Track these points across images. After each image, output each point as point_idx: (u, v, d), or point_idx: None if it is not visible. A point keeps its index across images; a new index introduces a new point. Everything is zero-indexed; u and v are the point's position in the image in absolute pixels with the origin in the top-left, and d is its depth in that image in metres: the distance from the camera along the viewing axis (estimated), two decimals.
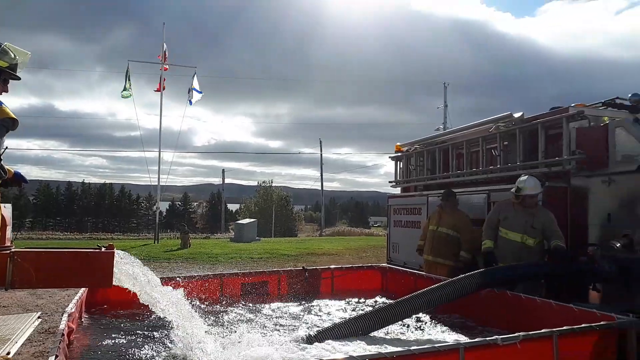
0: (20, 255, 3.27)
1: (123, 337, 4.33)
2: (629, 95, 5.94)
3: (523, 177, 5.66)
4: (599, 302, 5.19)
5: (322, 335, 4.26)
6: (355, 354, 2.92)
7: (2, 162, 2.89)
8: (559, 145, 5.86)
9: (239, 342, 4.05)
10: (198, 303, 5.18)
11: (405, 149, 9.49)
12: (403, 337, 4.47)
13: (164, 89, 23.17)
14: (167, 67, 23.31)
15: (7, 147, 3.07)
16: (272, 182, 61.62)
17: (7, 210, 3.30)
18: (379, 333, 4.51)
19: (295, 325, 4.94)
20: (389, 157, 10.11)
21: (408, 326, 4.84)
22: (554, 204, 5.74)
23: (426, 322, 5.01)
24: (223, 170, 53.94)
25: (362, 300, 6.18)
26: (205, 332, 4.19)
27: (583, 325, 3.66)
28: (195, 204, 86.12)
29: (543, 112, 6.37)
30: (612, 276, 5.02)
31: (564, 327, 3.55)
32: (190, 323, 4.03)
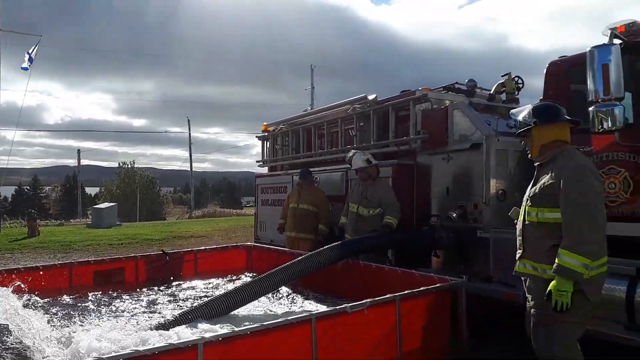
0: None
1: None
2: (466, 80, 6.65)
3: (350, 154, 6.14)
4: (439, 267, 5.79)
5: (181, 319, 4.13)
6: (207, 335, 2.90)
7: None
8: (407, 125, 6.36)
9: (81, 337, 3.75)
10: (42, 297, 4.72)
11: (271, 128, 9.56)
12: (261, 313, 4.54)
13: None
14: None
15: None
16: (134, 162, 57.99)
17: None
18: (240, 311, 4.53)
19: (153, 312, 4.75)
20: (256, 136, 10.10)
21: (270, 302, 4.94)
22: (403, 179, 6.24)
23: (287, 297, 5.16)
24: (79, 150, 49.31)
25: (226, 280, 6.17)
26: (52, 329, 3.83)
27: (421, 288, 4.06)
28: (47, 188, 77.67)
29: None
30: (449, 244, 5.63)
31: (405, 292, 3.90)
32: (26, 323, 3.66)
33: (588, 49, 3.88)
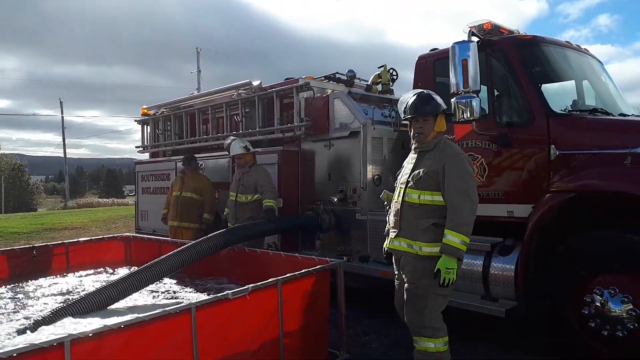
0: None
1: None
2: (346, 71, 6.91)
3: (228, 140, 6.17)
4: (322, 249, 6.02)
5: (51, 318, 3.82)
6: (75, 332, 2.72)
7: None
8: (292, 113, 6.46)
9: None
10: None
11: (152, 112, 9.11)
12: (140, 306, 4.37)
13: None
14: None
15: None
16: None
17: None
18: (117, 306, 4.31)
19: (16, 312, 4.34)
20: (135, 120, 9.56)
21: (151, 294, 4.76)
22: (288, 166, 6.36)
23: (169, 288, 5.02)
24: None
25: (101, 274, 5.82)
26: None
27: (303, 270, 4.18)
28: None
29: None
30: (330, 226, 5.86)
31: (287, 275, 4.00)
32: None
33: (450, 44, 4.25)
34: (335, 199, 5.81)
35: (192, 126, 8.27)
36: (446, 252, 3.19)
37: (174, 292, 4.87)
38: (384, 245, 3.69)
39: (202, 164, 7.35)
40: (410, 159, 3.57)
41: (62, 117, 40.91)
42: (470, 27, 4.52)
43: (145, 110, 9.19)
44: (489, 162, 4.65)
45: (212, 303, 3.44)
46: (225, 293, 3.51)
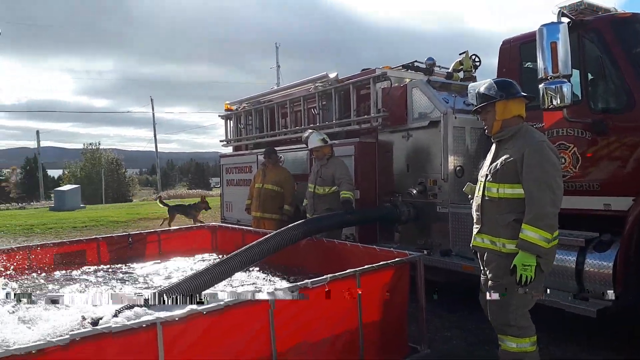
0: None
1: None
2: (425, 59, 6.72)
3: (306, 133, 6.21)
4: (401, 242, 5.95)
5: (146, 301, 4.11)
6: (165, 314, 2.91)
7: None
8: (369, 104, 6.41)
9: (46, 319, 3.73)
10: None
11: (234, 107, 9.47)
12: (224, 292, 4.56)
13: None
14: None
15: None
16: (99, 144, 56.41)
17: None
18: (206, 291, 4.53)
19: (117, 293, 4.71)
20: (219, 115, 9.99)
21: (230, 283, 4.95)
22: (365, 157, 6.33)
23: (252, 276, 5.20)
24: (37, 131, 47.62)
25: (190, 260, 6.15)
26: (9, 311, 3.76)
27: (381, 262, 4.16)
28: (6, 170, 74.83)
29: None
30: (409, 219, 5.77)
31: (366, 266, 3.99)
32: None
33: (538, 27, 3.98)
34: (415, 191, 5.70)
35: (272, 120, 8.48)
36: (523, 248, 3.00)
37: (255, 280, 5.04)
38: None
39: (282, 157, 7.52)
40: (491, 150, 3.41)
41: (153, 114, 43.66)
42: (560, 8, 4.20)
43: (228, 106, 9.56)
44: (582, 152, 4.33)
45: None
46: (304, 282, 3.58)
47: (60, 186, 29.86)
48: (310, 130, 6.27)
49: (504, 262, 3.15)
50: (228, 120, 9.72)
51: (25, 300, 4.00)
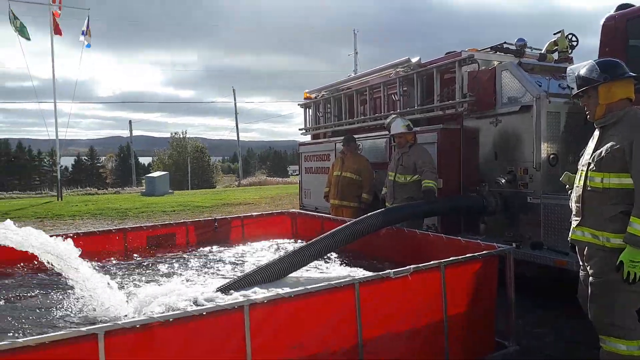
0: None
1: (15, 296, 4.09)
2: (515, 40, 6.32)
3: (389, 119, 6.05)
4: (488, 234, 5.68)
5: (233, 285, 4.25)
6: (253, 297, 2.98)
7: None
8: (453, 89, 6.15)
9: (146, 295, 3.96)
10: (99, 259, 5.00)
11: (313, 96, 9.53)
12: (306, 278, 4.62)
13: (56, 33, 21.02)
14: (58, 10, 21.02)
15: None
16: (186, 132, 59.40)
17: None
18: (289, 276, 4.61)
19: (204, 274, 4.93)
20: (298, 104, 10.10)
21: (314, 267, 5.00)
22: (449, 145, 6.10)
23: (330, 262, 5.22)
24: (130, 121, 51.08)
25: (272, 245, 6.30)
26: (110, 286, 4.04)
27: (467, 255, 3.99)
28: (103, 158, 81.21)
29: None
30: (497, 210, 5.48)
31: (451, 258, 3.85)
32: (90, 279, 3.88)
33: None
34: (503, 180, 5.41)
35: (351, 107, 8.43)
36: (632, 243, 2.73)
37: (337, 268, 5.05)
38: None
39: (360, 145, 7.45)
40: (593, 137, 3.12)
41: (235, 104, 45.26)
42: None
43: (307, 94, 9.64)
44: None
45: (374, 280, 3.48)
46: (387, 272, 3.52)
47: (150, 173, 31.82)
48: (393, 116, 6.15)
49: (608, 258, 2.89)
50: (307, 109, 9.81)
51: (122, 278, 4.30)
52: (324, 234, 4.92)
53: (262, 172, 59.11)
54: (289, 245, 6.31)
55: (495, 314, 4.08)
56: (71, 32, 22.16)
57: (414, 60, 6.63)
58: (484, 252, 4.13)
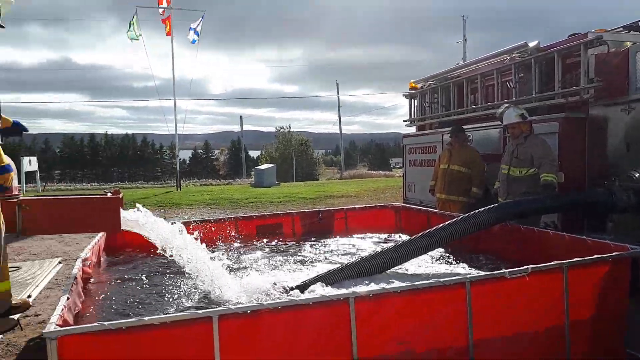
0: (28, 203, 3.34)
1: (141, 276, 4.48)
2: None
3: (501, 108, 5.61)
4: (616, 233, 5.11)
5: (332, 277, 4.27)
6: (359, 290, 2.95)
7: None
8: (577, 74, 5.59)
9: (253, 281, 4.12)
10: (213, 246, 5.30)
11: (419, 86, 9.26)
12: (412, 273, 4.49)
13: (168, 34, 22.73)
14: (168, 11, 22.68)
15: None
16: (290, 127, 61.30)
17: (11, 160, 3.32)
18: (393, 270, 4.53)
19: (310, 263, 5.02)
20: (403, 95, 9.88)
21: (419, 263, 4.86)
22: (572, 135, 5.57)
23: (437, 258, 5.03)
24: (241, 117, 53.89)
25: (375, 238, 6.24)
26: (224, 273, 4.25)
27: (594, 256, 3.60)
28: (217, 151, 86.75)
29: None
30: (629, 207, 4.90)
31: (575, 259, 3.50)
32: (207, 264, 4.12)
33: None
34: (637, 175, 4.81)
35: (460, 97, 8.06)
36: None
37: (445, 264, 4.86)
38: None
39: (470, 136, 7.09)
40: None
41: (338, 97, 45.68)
42: None
43: (413, 84, 9.38)
44: None
45: (487, 279, 3.28)
46: (501, 271, 3.30)
47: (259, 165, 33.34)
48: (506, 105, 5.74)
49: None
50: (412, 99, 9.56)
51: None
52: (431, 229, 4.75)
53: (364, 165, 59.20)
54: (393, 239, 6.21)
55: (626, 323, 3.66)
56: (187, 34, 23.82)
57: (532, 44, 6.13)
58: (614, 253, 3.71)
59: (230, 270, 4.43)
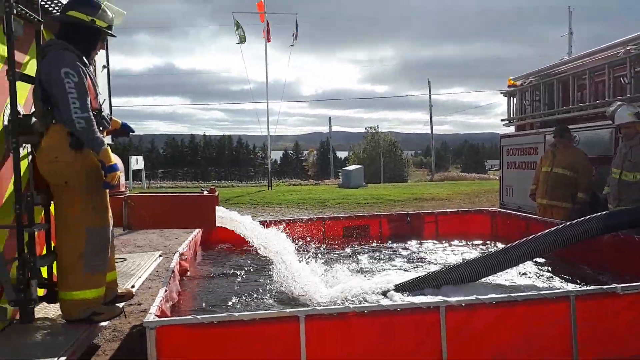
0: (133, 200, 3.58)
1: (233, 272, 4.65)
2: None
3: (612, 107, 5.04)
4: None
5: (421, 283, 4.12)
6: (450, 299, 2.81)
7: (104, 114, 3.10)
8: None
9: (343, 283, 4.10)
10: (301, 244, 5.36)
11: (519, 83, 8.72)
12: (508, 284, 4.21)
13: (267, 39, 23.52)
14: (263, 16, 23.44)
15: (104, 100, 3.30)
16: (378, 127, 60.89)
17: (119, 159, 3.58)
18: (486, 279, 4.29)
19: (397, 268, 4.90)
20: (501, 92, 9.36)
21: (517, 272, 4.54)
22: None
23: (535, 268, 4.69)
24: (330, 118, 54.53)
25: (468, 244, 5.96)
26: (311, 273, 4.29)
27: None
28: (306, 152, 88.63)
29: None
30: None
31: None
32: (295, 263, 4.18)
33: None
34: None
35: (565, 94, 7.45)
36: None
37: (546, 276, 4.50)
38: None
39: (576, 136, 6.53)
40: None
41: (430, 96, 44.58)
42: None
43: (512, 81, 8.86)
44: None
45: (596, 294, 2.99)
46: (612, 286, 2.98)
47: (346, 166, 33.50)
48: (618, 103, 5.20)
49: None
50: (511, 98, 9.03)
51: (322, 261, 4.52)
52: (531, 236, 4.42)
53: (457, 167, 57.24)
54: (488, 246, 5.89)
55: None
56: (280, 37, 24.56)
57: None
58: None
59: (318, 270, 4.45)
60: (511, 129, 9.31)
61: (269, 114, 24.73)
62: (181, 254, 4.27)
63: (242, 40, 23.23)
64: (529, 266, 4.70)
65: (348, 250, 5.82)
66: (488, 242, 6.08)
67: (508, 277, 4.38)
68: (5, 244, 2.81)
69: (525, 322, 2.87)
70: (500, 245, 5.44)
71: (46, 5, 3.23)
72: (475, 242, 6.05)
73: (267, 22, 23.53)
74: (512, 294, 2.86)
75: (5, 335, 2.73)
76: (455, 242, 6.06)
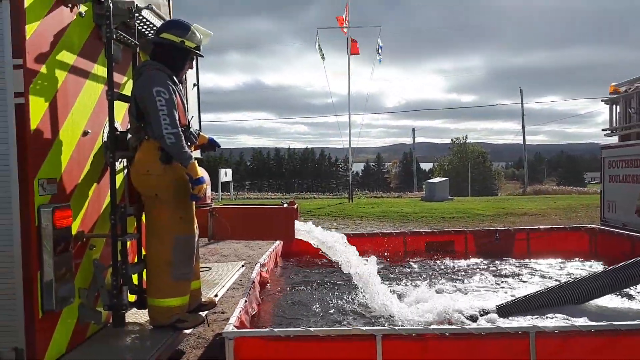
0: (218, 211, 3.72)
1: (311, 284, 4.66)
2: None
3: None
4: None
5: (515, 306, 3.86)
6: (541, 325, 2.60)
7: (192, 129, 3.25)
8: None
9: (424, 302, 3.96)
10: (381, 259, 5.26)
11: (622, 89, 8.01)
12: (610, 310, 3.81)
13: (349, 52, 23.66)
14: (346, 29, 23.60)
15: (192, 117, 3.47)
16: (466, 137, 58.81)
17: (205, 172, 3.74)
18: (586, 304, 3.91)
19: (484, 287, 4.64)
20: (602, 100, 8.67)
21: (613, 297, 4.09)
22: None
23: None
24: (413, 129, 53.63)
25: (564, 264, 5.51)
26: (390, 289, 4.18)
27: None
28: (388, 164, 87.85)
29: None
30: None
31: None
32: (375, 279, 4.10)
33: None
34: None
35: None
36: None
37: None
38: None
39: None
40: None
41: (522, 105, 42.24)
42: None
43: (615, 88, 8.17)
44: None
45: None
46: None
47: (430, 178, 32.71)
48: None
49: None
50: (614, 105, 8.32)
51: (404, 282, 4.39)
52: (637, 258, 3.99)
53: (552, 180, 53.67)
54: (586, 266, 5.41)
55: None
56: (362, 50, 24.60)
57: None
58: None
59: (397, 288, 4.33)
60: (614, 139, 8.57)
61: (350, 126, 24.84)
62: (262, 265, 4.36)
63: (322, 57, 23.62)
64: (634, 289, 4.23)
65: (430, 266, 5.61)
66: (587, 262, 5.58)
67: (603, 302, 3.96)
68: (102, 252, 3.02)
69: (630, 355, 2.57)
70: (598, 267, 4.97)
71: (142, 30, 3.47)
72: (572, 262, 5.59)
73: (349, 36, 23.73)
74: (615, 322, 2.58)
75: (100, 338, 2.92)
76: (549, 261, 5.63)
